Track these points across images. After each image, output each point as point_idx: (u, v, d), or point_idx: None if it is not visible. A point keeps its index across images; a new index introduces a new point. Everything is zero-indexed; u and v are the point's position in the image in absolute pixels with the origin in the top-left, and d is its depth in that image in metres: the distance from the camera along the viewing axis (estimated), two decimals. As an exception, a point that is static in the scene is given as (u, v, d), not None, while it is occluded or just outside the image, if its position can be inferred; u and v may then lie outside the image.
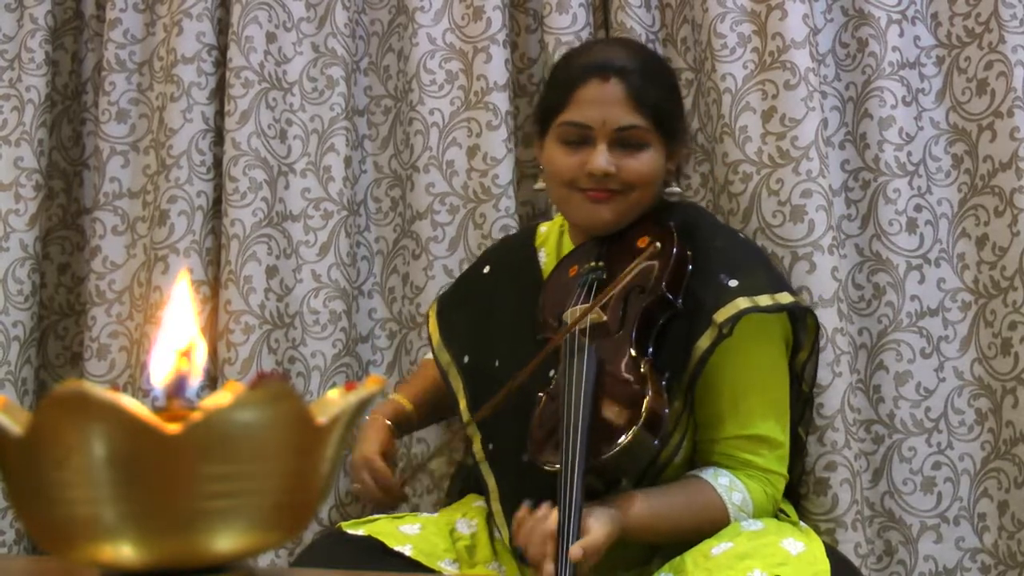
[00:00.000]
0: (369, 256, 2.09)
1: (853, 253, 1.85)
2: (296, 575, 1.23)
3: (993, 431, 1.78)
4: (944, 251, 1.84)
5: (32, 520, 0.65)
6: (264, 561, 1.82)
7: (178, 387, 0.68)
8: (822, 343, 1.68)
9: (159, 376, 0.68)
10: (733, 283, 1.50)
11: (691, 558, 1.38)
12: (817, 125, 1.78)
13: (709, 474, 1.49)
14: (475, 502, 1.67)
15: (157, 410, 0.65)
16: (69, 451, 0.61)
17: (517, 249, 1.77)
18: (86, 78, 2.24)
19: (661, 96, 1.58)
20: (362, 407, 0.69)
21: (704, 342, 1.47)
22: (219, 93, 2.07)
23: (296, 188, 2.04)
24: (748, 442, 1.51)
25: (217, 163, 2.06)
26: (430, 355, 1.86)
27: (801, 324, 1.60)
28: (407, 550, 1.49)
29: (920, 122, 1.86)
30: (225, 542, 0.64)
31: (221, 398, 0.62)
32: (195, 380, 0.69)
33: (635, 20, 1.92)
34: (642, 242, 1.56)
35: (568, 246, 1.70)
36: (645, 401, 1.40)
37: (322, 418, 0.66)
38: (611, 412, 1.42)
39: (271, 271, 1.99)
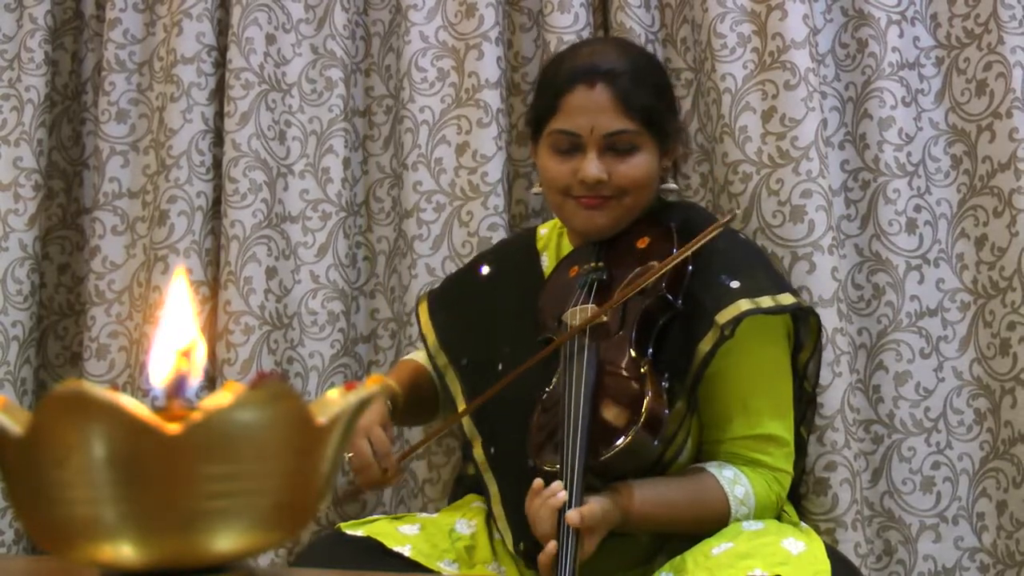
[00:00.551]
0: (371, 256, 2.09)
1: (853, 253, 1.85)
2: (296, 575, 1.23)
3: (992, 431, 1.78)
4: (943, 251, 1.84)
5: (32, 520, 0.65)
6: (264, 561, 1.82)
7: (178, 387, 0.68)
8: (822, 343, 1.68)
9: (159, 376, 0.68)
10: (735, 284, 1.50)
11: (692, 557, 1.38)
12: (817, 125, 1.78)
13: (714, 467, 1.49)
14: (474, 503, 1.67)
15: (157, 410, 0.65)
16: (69, 451, 0.61)
17: (519, 251, 1.77)
18: (86, 78, 2.24)
19: (650, 97, 1.56)
20: (362, 407, 0.69)
21: (706, 344, 1.47)
22: (219, 94, 2.07)
23: (295, 189, 2.04)
24: (756, 441, 1.52)
25: (217, 164, 2.06)
26: (408, 355, 1.86)
27: (803, 323, 1.60)
28: (406, 550, 1.49)
29: (919, 123, 1.86)
30: (225, 542, 0.64)
31: (221, 398, 0.61)
32: (195, 380, 0.69)
33: (635, 20, 1.92)
34: (642, 243, 1.56)
35: (567, 247, 1.70)
36: (645, 402, 1.40)
37: (322, 418, 0.66)
38: (611, 413, 1.43)
39: (270, 272, 1.99)
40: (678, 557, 1.41)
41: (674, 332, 1.50)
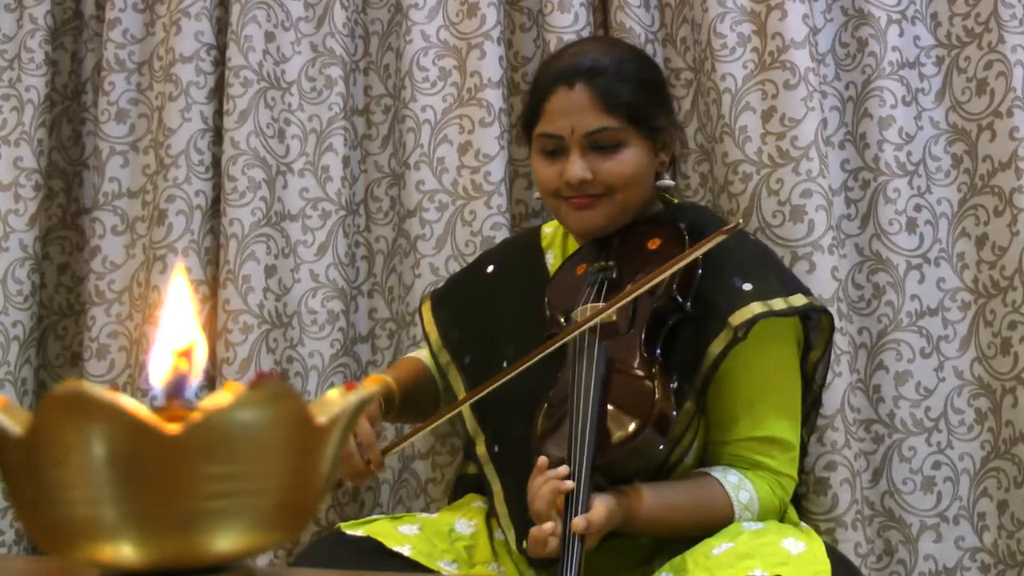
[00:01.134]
0: (369, 256, 2.09)
1: (853, 253, 1.85)
2: (296, 575, 1.23)
3: (993, 431, 1.78)
4: (944, 251, 1.84)
5: (32, 520, 0.65)
6: (264, 561, 1.82)
7: (177, 387, 0.68)
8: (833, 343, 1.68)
9: (158, 376, 0.68)
10: (747, 287, 1.49)
11: (692, 558, 1.38)
12: (817, 125, 1.78)
13: (719, 471, 1.49)
14: (474, 502, 1.67)
15: (156, 410, 0.65)
16: (69, 451, 0.61)
17: (523, 250, 1.77)
18: (85, 78, 2.24)
19: (633, 93, 1.56)
20: (362, 407, 0.69)
21: (718, 345, 1.47)
22: (218, 92, 2.07)
23: (294, 188, 2.04)
24: (760, 444, 1.51)
25: (216, 162, 2.06)
26: (412, 353, 1.86)
27: (813, 322, 1.60)
28: (406, 550, 1.49)
29: (920, 122, 1.86)
30: (225, 542, 0.64)
31: (221, 398, 0.61)
32: (194, 380, 0.69)
33: (634, 20, 1.92)
34: (653, 243, 1.56)
35: (573, 245, 1.70)
36: (654, 402, 1.40)
37: (322, 418, 0.66)
38: (619, 412, 1.42)
39: (270, 271, 1.99)
40: (678, 557, 1.41)
41: (684, 333, 1.50)
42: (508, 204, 1.95)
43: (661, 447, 1.42)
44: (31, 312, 2.11)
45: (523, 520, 1.45)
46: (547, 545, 1.33)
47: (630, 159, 1.56)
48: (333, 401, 0.68)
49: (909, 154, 1.84)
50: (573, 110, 1.55)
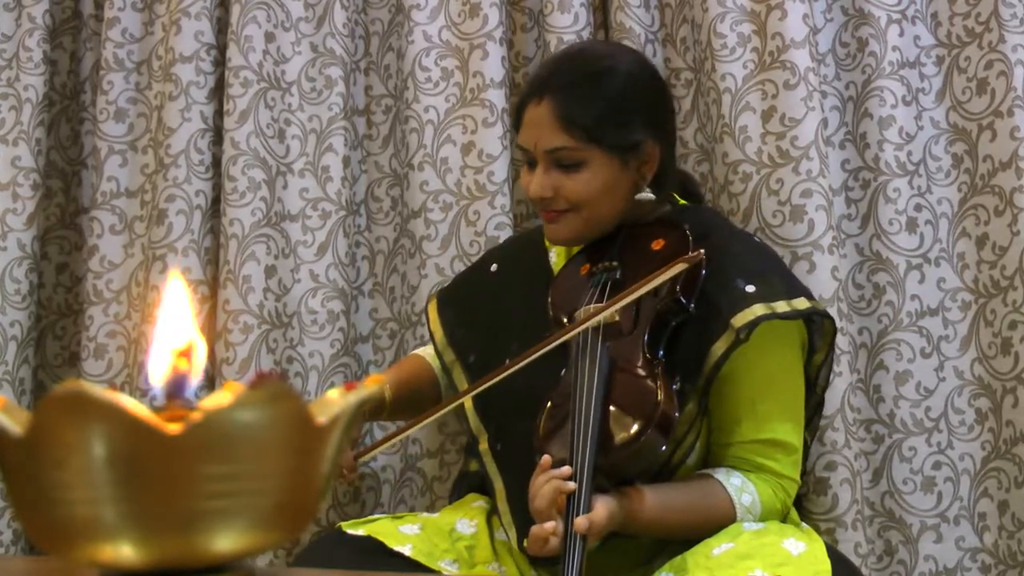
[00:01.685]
0: (370, 256, 2.09)
1: (853, 253, 1.85)
2: (296, 575, 1.23)
3: (993, 431, 1.78)
4: (944, 251, 1.84)
5: (31, 520, 0.65)
6: (264, 561, 1.82)
7: (177, 387, 0.68)
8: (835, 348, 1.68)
9: (158, 376, 0.68)
10: (750, 289, 1.49)
11: (692, 558, 1.38)
12: (817, 125, 1.78)
13: (721, 474, 1.49)
14: (475, 502, 1.67)
15: (156, 410, 0.64)
16: (69, 451, 0.60)
17: (527, 249, 1.77)
18: (84, 77, 2.24)
19: (599, 112, 1.54)
20: (362, 407, 0.69)
21: (720, 346, 1.47)
22: (218, 92, 2.07)
23: (294, 188, 2.04)
24: (763, 446, 1.51)
25: (216, 162, 2.06)
26: (417, 350, 1.86)
27: (816, 326, 1.59)
28: (407, 550, 1.49)
29: (920, 122, 1.86)
30: (225, 542, 0.63)
31: (221, 398, 0.61)
32: (194, 380, 0.68)
33: (634, 20, 1.92)
34: (657, 244, 1.56)
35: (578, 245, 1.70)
36: (657, 403, 1.40)
37: (322, 418, 0.66)
38: (622, 413, 1.42)
39: (270, 271, 1.99)
40: (678, 557, 1.41)
41: (687, 334, 1.49)
42: (511, 204, 1.95)
43: (663, 448, 1.41)
44: (29, 312, 2.10)
45: (524, 519, 1.45)
46: (547, 543, 1.33)
47: (590, 178, 1.55)
48: (333, 401, 0.68)
49: (909, 154, 1.84)
50: (538, 125, 1.56)
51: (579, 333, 1.48)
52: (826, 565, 1.37)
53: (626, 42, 1.89)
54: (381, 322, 2.06)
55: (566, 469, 1.36)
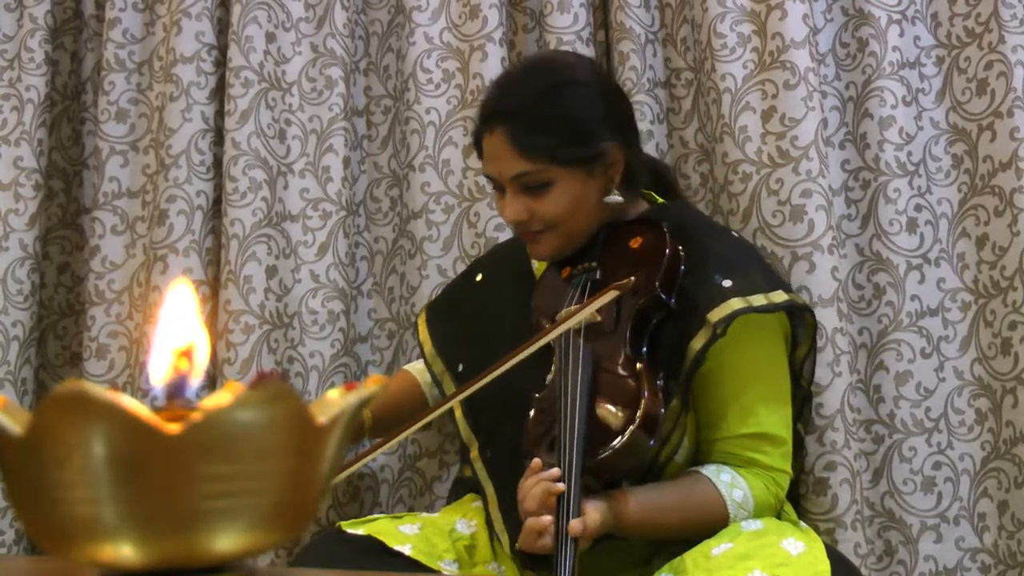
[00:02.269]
0: (369, 256, 2.09)
1: (853, 253, 1.85)
2: (296, 575, 1.23)
3: (993, 431, 1.78)
4: (944, 251, 1.84)
5: (32, 520, 0.65)
6: (264, 561, 1.82)
7: (178, 387, 0.68)
8: (821, 343, 1.68)
9: (159, 376, 0.68)
10: (727, 283, 1.50)
11: (691, 558, 1.38)
12: (817, 125, 1.78)
13: (711, 470, 1.49)
14: (475, 502, 1.67)
15: (157, 410, 0.65)
16: (69, 451, 0.61)
17: (510, 256, 1.77)
18: (85, 78, 2.24)
19: (551, 133, 1.53)
20: (362, 407, 0.69)
21: (698, 342, 1.47)
22: (219, 93, 2.07)
23: (295, 188, 2.04)
24: (751, 440, 1.51)
25: (217, 163, 2.06)
26: (407, 365, 1.87)
27: (799, 320, 1.60)
28: (407, 550, 1.49)
29: (920, 122, 1.86)
30: (225, 542, 0.63)
31: (221, 398, 0.61)
32: (195, 380, 0.69)
33: (635, 20, 1.92)
34: (635, 243, 1.57)
35: None
36: (641, 401, 1.41)
37: (322, 418, 0.66)
38: (607, 412, 1.42)
39: (270, 271, 1.99)
40: (677, 558, 1.41)
41: (668, 331, 1.50)
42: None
43: (650, 445, 1.42)
44: (31, 312, 2.11)
45: (516, 524, 1.45)
46: (540, 537, 1.33)
47: (560, 196, 1.55)
48: (333, 401, 0.68)
49: (909, 154, 1.84)
50: (496, 156, 1.56)
51: (560, 335, 1.48)
52: (825, 565, 1.37)
53: (626, 42, 1.90)
54: (380, 322, 2.07)
55: (555, 471, 1.36)
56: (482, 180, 1.94)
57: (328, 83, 2.07)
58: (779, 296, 1.53)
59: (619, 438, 1.39)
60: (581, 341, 1.48)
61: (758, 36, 1.83)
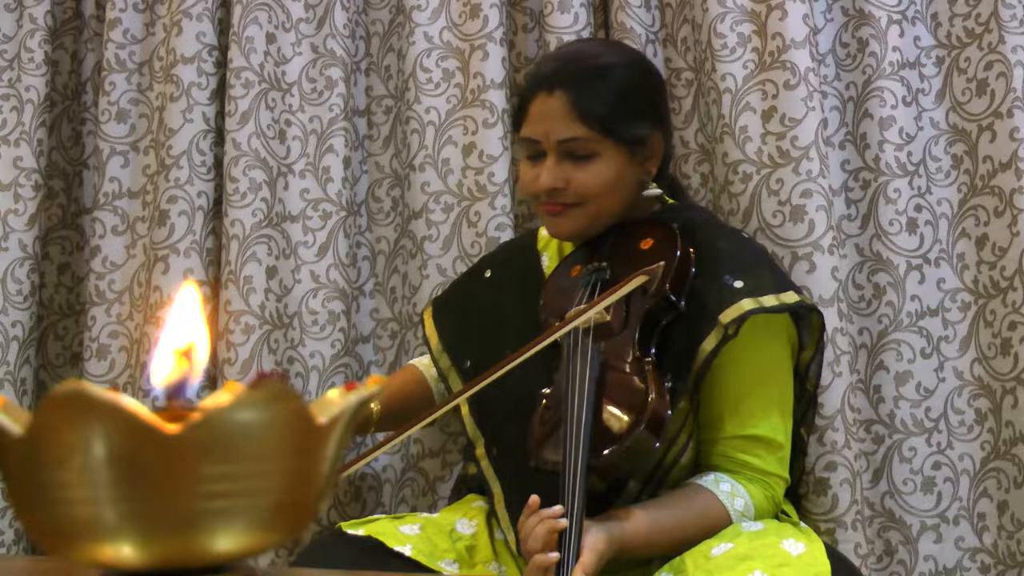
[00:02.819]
0: (371, 256, 2.09)
1: (853, 253, 1.85)
2: (296, 575, 1.23)
3: (993, 431, 1.78)
4: (944, 251, 1.84)
5: (32, 520, 0.65)
6: (264, 561, 1.82)
7: (178, 387, 0.68)
8: (824, 342, 1.68)
9: (159, 376, 0.68)
10: (738, 284, 1.50)
11: (691, 559, 1.38)
12: (817, 125, 1.78)
13: (710, 481, 1.49)
14: (475, 502, 1.67)
15: (157, 410, 0.65)
16: (69, 451, 0.61)
17: (519, 253, 1.77)
18: (86, 78, 2.24)
19: (612, 103, 1.54)
20: (362, 407, 0.69)
21: (709, 343, 1.47)
22: (219, 93, 2.07)
23: (295, 189, 2.04)
24: (746, 442, 1.51)
25: (217, 163, 2.06)
26: (413, 360, 1.87)
27: (804, 322, 1.60)
28: (407, 550, 1.49)
29: (920, 122, 1.86)
30: (225, 542, 0.64)
31: (221, 398, 0.61)
32: (195, 380, 0.69)
33: (635, 20, 1.92)
34: (645, 243, 1.56)
35: (568, 247, 1.70)
36: (648, 402, 1.40)
37: (322, 418, 0.66)
38: (613, 413, 1.42)
39: (271, 271, 1.99)
40: (677, 558, 1.41)
41: (677, 332, 1.50)
42: (512, 205, 1.96)
43: (656, 446, 1.42)
44: (31, 312, 2.11)
45: None
46: (545, 574, 1.33)
47: (603, 170, 1.55)
48: (333, 401, 0.68)
49: (909, 154, 1.84)
50: (550, 116, 1.55)
51: (568, 333, 1.48)
52: (826, 566, 1.37)
53: (627, 42, 1.90)
54: (382, 322, 2.07)
55: (558, 508, 1.35)
56: (482, 179, 1.94)
57: (328, 83, 2.07)
58: (790, 297, 1.53)
59: (625, 438, 1.39)
60: (590, 340, 1.47)
61: (758, 36, 1.83)
